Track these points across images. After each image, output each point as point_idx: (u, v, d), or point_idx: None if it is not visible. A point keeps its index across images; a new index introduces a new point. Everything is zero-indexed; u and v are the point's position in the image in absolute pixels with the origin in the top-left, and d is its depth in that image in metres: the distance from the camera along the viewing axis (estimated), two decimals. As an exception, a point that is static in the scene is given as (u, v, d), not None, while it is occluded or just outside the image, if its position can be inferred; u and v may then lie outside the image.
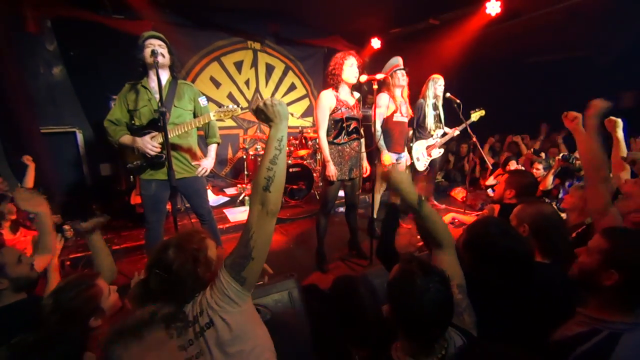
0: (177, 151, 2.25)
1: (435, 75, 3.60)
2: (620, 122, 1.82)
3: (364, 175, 2.88)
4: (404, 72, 3.12)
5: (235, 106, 2.18)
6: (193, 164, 2.34)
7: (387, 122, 3.18)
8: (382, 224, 1.57)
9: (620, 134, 1.83)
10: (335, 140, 2.54)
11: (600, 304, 1.03)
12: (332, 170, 2.49)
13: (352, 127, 2.56)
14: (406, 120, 3.30)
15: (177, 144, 2.24)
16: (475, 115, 3.58)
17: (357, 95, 2.65)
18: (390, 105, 3.14)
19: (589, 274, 1.04)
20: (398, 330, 0.98)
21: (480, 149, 3.63)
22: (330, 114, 2.49)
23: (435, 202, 4.24)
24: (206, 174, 2.40)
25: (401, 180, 1.23)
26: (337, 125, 2.51)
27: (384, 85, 3.22)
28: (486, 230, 1.18)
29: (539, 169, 3.67)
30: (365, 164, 2.82)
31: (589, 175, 1.52)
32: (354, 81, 2.49)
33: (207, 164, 2.37)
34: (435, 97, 3.59)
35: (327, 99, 2.47)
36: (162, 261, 1.03)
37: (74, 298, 1.13)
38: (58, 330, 1.04)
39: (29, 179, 2.82)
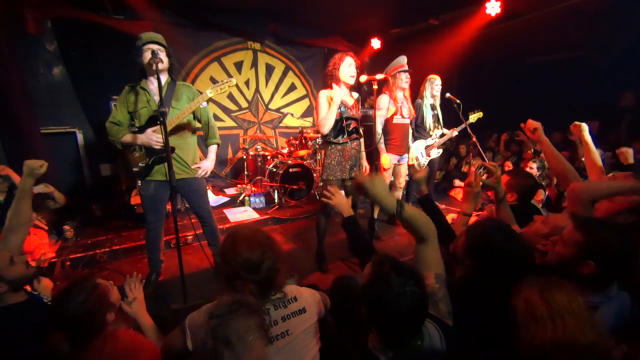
0: (177, 152, 2.24)
1: (432, 76, 3.59)
2: (585, 126, 1.90)
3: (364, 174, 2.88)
4: (407, 74, 3.08)
5: (230, 79, 2.16)
6: (193, 167, 2.34)
7: (387, 123, 3.16)
8: (344, 221, 1.56)
9: (587, 137, 1.90)
10: (335, 140, 2.54)
11: (578, 287, 1.08)
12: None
13: (351, 126, 2.56)
14: (408, 121, 3.29)
15: (177, 145, 2.23)
16: (473, 117, 3.59)
17: (355, 95, 2.65)
18: (391, 107, 3.12)
19: (566, 263, 1.13)
20: (373, 328, 0.99)
21: (480, 148, 3.62)
22: None
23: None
24: (207, 175, 2.40)
25: (377, 189, 1.21)
26: (337, 125, 2.51)
27: (384, 85, 3.20)
28: (489, 235, 1.17)
29: (532, 168, 3.68)
30: (365, 163, 2.82)
31: (562, 183, 1.58)
32: (352, 82, 2.48)
33: (207, 165, 2.37)
34: (433, 97, 3.58)
35: (326, 98, 2.46)
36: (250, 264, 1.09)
37: (86, 300, 1.13)
38: None
39: (16, 178, 2.82)
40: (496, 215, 1.71)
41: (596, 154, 1.90)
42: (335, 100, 2.39)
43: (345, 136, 2.54)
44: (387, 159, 3.11)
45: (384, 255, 1.05)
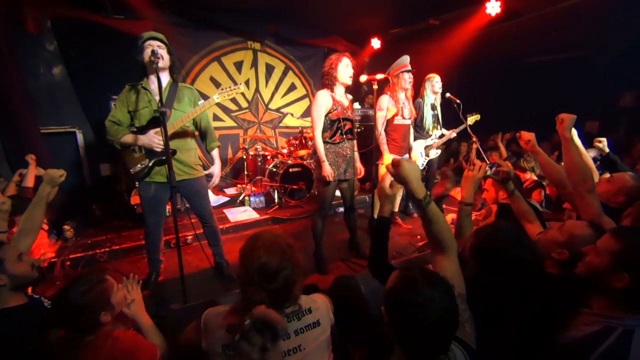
0: (177, 153, 2.24)
1: (431, 75, 3.59)
2: (573, 131, 1.87)
3: (358, 176, 2.88)
4: (410, 74, 3.08)
5: (238, 86, 2.17)
6: (209, 178, 2.37)
7: (388, 124, 3.17)
8: (372, 237, 1.46)
9: (577, 140, 1.88)
10: (331, 140, 2.54)
11: (609, 304, 1.01)
12: (327, 170, 2.50)
13: (346, 127, 2.56)
14: (409, 122, 3.29)
15: (178, 147, 2.24)
16: (471, 119, 3.59)
17: (350, 97, 2.66)
18: (392, 108, 3.13)
19: (598, 275, 1.02)
20: (395, 343, 0.91)
21: (480, 148, 3.62)
22: (327, 114, 2.49)
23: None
24: (217, 181, 2.46)
25: (411, 171, 1.14)
26: (333, 125, 2.52)
27: (386, 85, 3.20)
28: (496, 236, 1.13)
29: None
30: (358, 164, 2.82)
31: (575, 187, 1.52)
32: (349, 82, 2.50)
33: (217, 171, 2.43)
34: (434, 93, 3.57)
35: (324, 99, 2.47)
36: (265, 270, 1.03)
37: (86, 292, 1.13)
38: None
39: (30, 178, 2.81)
40: (514, 210, 1.69)
41: (586, 156, 1.92)
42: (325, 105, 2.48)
43: (341, 136, 2.55)
44: (390, 160, 3.11)
45: (412, 263, 0.98)
